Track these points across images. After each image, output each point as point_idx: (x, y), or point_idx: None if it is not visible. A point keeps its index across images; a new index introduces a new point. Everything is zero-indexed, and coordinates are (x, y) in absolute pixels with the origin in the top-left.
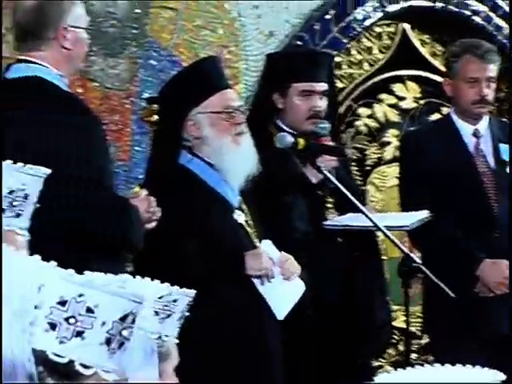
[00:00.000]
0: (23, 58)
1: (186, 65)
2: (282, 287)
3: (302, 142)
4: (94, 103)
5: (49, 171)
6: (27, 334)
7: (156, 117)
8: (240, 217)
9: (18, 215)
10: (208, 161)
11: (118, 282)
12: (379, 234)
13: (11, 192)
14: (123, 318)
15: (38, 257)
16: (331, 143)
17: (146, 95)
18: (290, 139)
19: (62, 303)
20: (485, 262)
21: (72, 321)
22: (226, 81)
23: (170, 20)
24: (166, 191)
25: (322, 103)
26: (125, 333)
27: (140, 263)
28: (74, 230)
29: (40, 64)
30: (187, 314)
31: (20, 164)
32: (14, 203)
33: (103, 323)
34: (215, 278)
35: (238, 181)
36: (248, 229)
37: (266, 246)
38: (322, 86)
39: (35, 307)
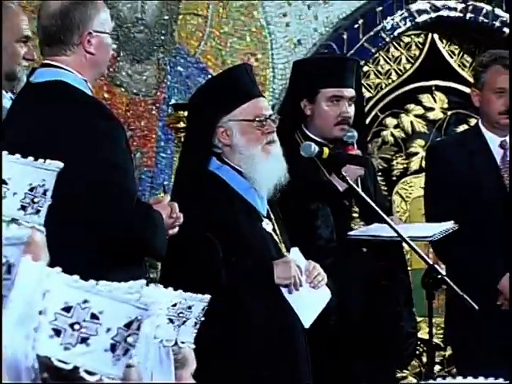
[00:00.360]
0: (48, 62)
1: (213, 72)
2: (309, 295)
3: (326, 151)
4: (121, 109)
5: (62, 165)
6: (31, 340)
7: (182, 124)
8: (268, 225)
9: (38, 211)
10: (237, 168)
11: (134, 289)
12: (404, 244)
13: (32, 189)
14: (128, 325)
15: (43, 262)
16: (358, 152)
17: (172, 101)
18: (314, 148)
19: (67, 309)
20: (506, 276)
21: (77, 327)
22: (258, 89)
23: (197, 27)
24: (195, 197)
25: (351, 109)
26: (130, 339)
27: (167, 270)
28: (97, 234)
29: (65, 69)
30: (203, 319)
31: (41, 160)
32: (35, 200)
33: (108, 329)
34: (244, 287)
35: (266, 190)
36: (276, 237)
37: (294, 254)
38: (351, 92)
39: (40, 313)
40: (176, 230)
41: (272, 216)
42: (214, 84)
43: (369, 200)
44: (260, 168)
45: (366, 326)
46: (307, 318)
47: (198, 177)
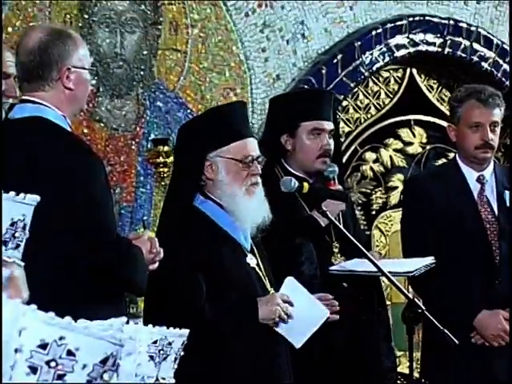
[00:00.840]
0: (27, 98)
1: (192, 107)
2: (301, 320)
3: (306, 185)
4: (100, 144)
5: (39, 198)
6: (7, 379)
7: (161, 158)
8: (252, 260)
9: (17, 246)
10: (219, 202)
11: (115, 326)
12: (383, 279)
13: (13, 224)
14: (104, 361)
15: (18, 300)
16: (338, 187)
17: (151, 137)
18: (294, 183)
19: (43, 346)
20: (482, 312)
21: (53, 364)
22: (250, 129)
23: (177, 62)
24: (179, 231)
25: (331, 142)
26: (105, 376)
27: (149, 306)
28: (76, 270)
29: (44, 104)
30: (182, 353)
31: (21, 195)
32: (16, 234)
33: (84, 366)
34: (227, 323)
35: (249, 226)
36: (260, 272)
37: (289, 284)
38: (330, 125)
39: (15, 351)
40: (156, 265)
41: (256, 251)
42: (208, 117)
43: (349, 235)
44: (242, 206)
45: (347, 361)
46: (298, 340)
47: (182, 211)
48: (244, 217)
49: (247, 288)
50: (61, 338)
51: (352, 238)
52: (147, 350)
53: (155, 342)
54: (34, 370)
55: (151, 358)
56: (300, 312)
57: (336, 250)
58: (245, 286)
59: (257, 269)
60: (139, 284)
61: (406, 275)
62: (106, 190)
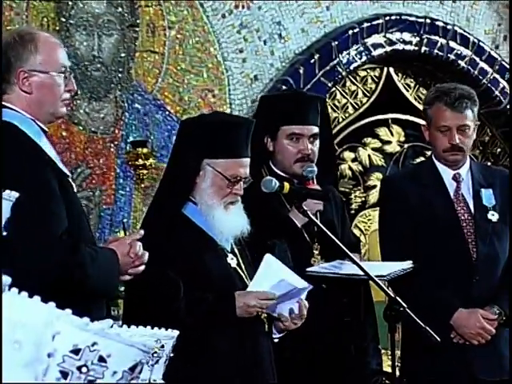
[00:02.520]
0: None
1: (170, 108)
2: (284, 300)
3: (287, 185)
4: (79, 147)
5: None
6: (39, 382)
7: (141, 161)
8: (233, 261)
9: None
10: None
11: (149, 333)
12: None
13: None
14: (133, 368)
15: (52, 304)
16: (316, 186)
17: (130, 139)
18: (275, 183)
19: (76, 351)
20: (460, 311)
21: (84, 370)
22: (249, 149)
23: (154, 64)
24: (160, 233)
25: (312, 146)
26: (133, 383)
27: (129, 308)
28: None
29: (11, 108)
30: (172, 355)
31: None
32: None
33: (114, 373)
34: (206, 322)
35: (225, 239)
36: (241, 272)
37: (268, 261)
38: (311, 130)
39: (48, 355)
40: (140, 268)
41: (236, 251)
42: (214, 123)
43: (329, 233)
44: (218, 220)
45: (330, 362)
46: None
47: (169, 214)
48: (218, 227)
49: (228, 288)
50: (93, 344)
51: (333, 237)
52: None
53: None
54: (64, 374)
55: (146, 361)
56: (281, 292)
57: (316, 252)
58: (225, 287)
59: (238, 269)
60: (101, 287)
61: (382, 279)
62: (55, 194)
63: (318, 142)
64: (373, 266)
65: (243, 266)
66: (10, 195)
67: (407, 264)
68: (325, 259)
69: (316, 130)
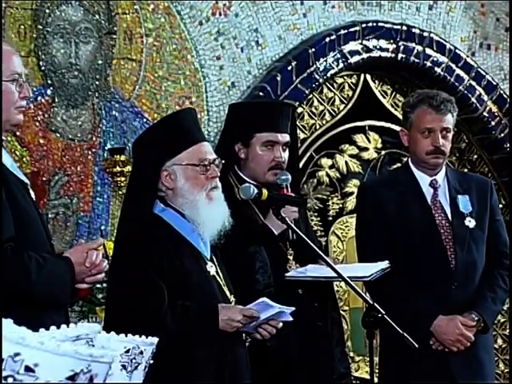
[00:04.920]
0: None
1: (148, 116)
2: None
3: (265, 192)
4: (57, 154)
5: None
6: None
7: (118, 168)
8: (212, 268)
9: None
10: (181, 211)
11: (86, 335)
12: (342, 284)
13: None
14: (72, 377)
15: None
16: (292, 194)
17: (108, 146)
18: (254, 190)
19: None
20: (439, 318)
21: (10, 380)
22: (202, 133)
23: (132, 71)
24: (139, 240)
25: (285, 154)
26: None
27: (110, 315)
28: None
29: None
30: (151, 361)
31: None
32: None
33: (47, 382)
34: (188, 332)
35: (210, 234)
36: (220, 281)
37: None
38: (285, 137)
39: None
40: (99, 277)
41: (215, 259)
42: (158, 128)
43: (308, 240)
44: (203, 213)
45: (302, 367)
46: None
47: (142, 220)
48: (205, 225)
49: (208, 296)
50: (16, 355)
51: (312, 244)
52: (120, 359)
53: (128, 351)
54: None
55: (123, 367)
56: (265, 315)
57: (290, 258)
58: (206, 295)
59: (217, 277)
60: (47, 293)
61: (362, 280)
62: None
63: (287, 149)
64: (352, 267)
65: (221, 275)
66: None
67: (384, 264)
68: (299, 265)
69: (288, 137)
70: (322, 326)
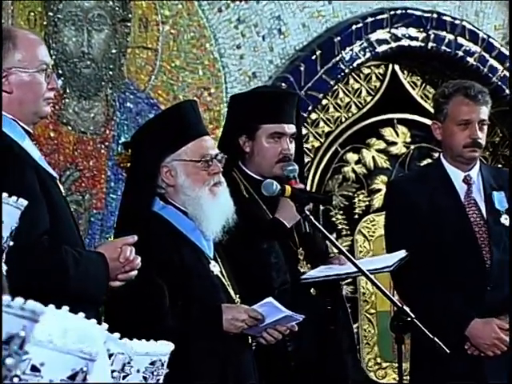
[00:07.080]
0: None
1: (164, 107)
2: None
3: (289, 189)
4: (68, 148)
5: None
6: None
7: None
8: (215, 267)
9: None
10: (182, 209)
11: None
12: (368, 286)
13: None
14: (72, 377)
15: None
16: (301, 186)
17: (122, 139)
18: (276, 186)
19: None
20: (475, 321)
21: (16, 380)
22: (204, 127)
23: (147, 61)
24: (140, 239)
25: (292, 146)
26: None
27: (111, 313)
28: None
29: None
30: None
31: (14, 198)
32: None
33: (50, 382)
34: (191, 332)
35: (213, 231)
36: (224, 280)
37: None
38: (292, 128)
39: None
40: (131, 274)
41: (218, 258)
42: (157, 122)
43: (332, 238)
44: (207, 209)
45: (316, 373)
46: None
47: (141, 218)
48: (208, 222)
49: (211, 296)
50: (24, 353)
51: (336, 242)
52: (143, 370)
53: (152, 364)
54: None
55: (144, 378)
56: (271, 319)
57: (301, 257)
58: (209, 294)
59: (220, 276)
60: (83, 290)
61: (385, 271)
62: (34, 195)
63: (294, 141)
64: (369, 261)
65: (225, 275)
66: (18, 202)
67: (402, 253)
68: (310, 265)
69: (295, 128)
70: (335, 331)
